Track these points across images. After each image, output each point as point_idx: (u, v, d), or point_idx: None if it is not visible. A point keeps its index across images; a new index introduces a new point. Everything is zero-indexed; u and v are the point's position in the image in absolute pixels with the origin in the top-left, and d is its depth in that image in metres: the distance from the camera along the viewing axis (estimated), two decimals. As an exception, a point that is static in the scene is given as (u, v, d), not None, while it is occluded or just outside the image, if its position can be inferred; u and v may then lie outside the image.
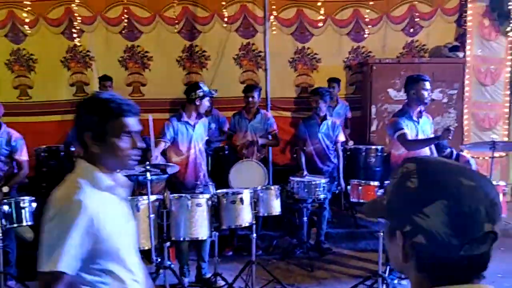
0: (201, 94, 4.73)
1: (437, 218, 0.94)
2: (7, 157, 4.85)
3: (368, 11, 7.71)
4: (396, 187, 1.03)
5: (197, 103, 4.75)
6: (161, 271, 4.29)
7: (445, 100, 7.45)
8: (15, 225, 4.25)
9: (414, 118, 4.77)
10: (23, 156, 4.91)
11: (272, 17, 7.50)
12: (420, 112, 4.80)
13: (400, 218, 1.00)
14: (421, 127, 4.79)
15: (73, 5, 7.46)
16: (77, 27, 7.52)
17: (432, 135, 4.86)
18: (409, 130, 4.68)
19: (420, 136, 4.72)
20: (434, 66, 7.41)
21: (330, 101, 7.26)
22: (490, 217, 0.94)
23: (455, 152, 5.72)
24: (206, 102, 4.84)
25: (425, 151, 4.72)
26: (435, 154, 4.86)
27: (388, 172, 4.98)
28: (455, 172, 0.98)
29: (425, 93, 4.69)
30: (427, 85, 4.69)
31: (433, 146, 4.80)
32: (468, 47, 7.63)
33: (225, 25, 7.61)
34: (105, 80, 7.02)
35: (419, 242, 0.97)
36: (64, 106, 7.65)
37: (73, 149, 6.00)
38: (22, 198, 4.30)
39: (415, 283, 1.02)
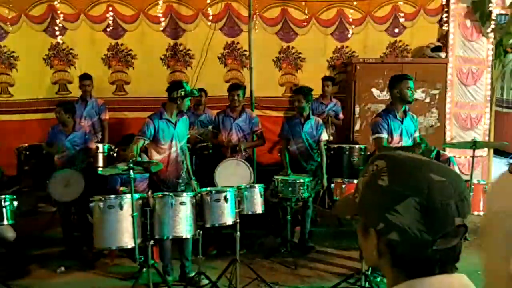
0: (183, 93, 4.71)
1: (410, 215, 0.95)
2: None
3: (352, 11, 7.77)
4: (367, 185, 1.04)
5: (178, 102, 4.73)
6: (144, 270, 4.26)
7: (427, 100, 7.54)
8: (-4, 224, 4.20)
9: (399, 117, 4.83)
10: None
11: (256, 16, 7.50)
12: (405, 111, 4.86)
13: (373, 216, 1.01)
14: (405, 126, 4.86)
15: (56, 2, 7.38)
16: (60, 25, 7.45)
17: (416, 135, 4.91)
18: (393, 129, 4.77)
19: (404, 136, 4.80)
20: (417, 66, 7.48)
21: (323, 99, 7.33)
22: (460, 211, 0.96)
23: (435, 150, 5.78)
24: (187, 101, 4.82)
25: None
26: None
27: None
28: (425, 168, 0.99)
29: (409, 92, 4.75)
30: (411, 84, 4.76)
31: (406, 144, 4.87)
32: (450, 48, 7.74)
33: (209, 23, 7.60)
34: (84, 79, 6.97)
35: (393, 239, 0.98)
36: (46, 104, 7.56)
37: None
38: (2, 196, 4.24)
39: (390, 278, 1.03)
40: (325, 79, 7.40)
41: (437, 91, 7.56)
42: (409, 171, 0.99)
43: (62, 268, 5.37)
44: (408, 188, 0.97)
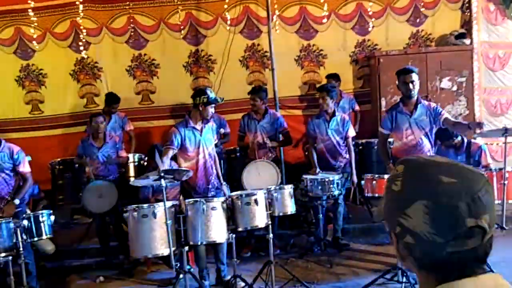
0: (205, 100, 4.75)
1: (419, 218, 0.97)
2: (11, 170, 4.93)
3: (371, 3, 7.69)
4: (386, 191, 1.07)
5: (201, 108, 4.78)
6: (181, 276, 4.32)
7: (454, 88, 7.41)
8: (35, 238, 4.33)
9: (406, 111, 4.83)
10: (26, 168, 5.00)
11: (275, 16, 7.51)
12: (416, 104, 4.80)
13: (391, 220, 1.04)
14: (415, 119, 4.81)
15: (78, 18, 7.54)
16: (84, 40, 7.61)
17: (445, 116, 4.78)
18: (400, 123, 4.86)
19: (415, 129, 4.81)
20: (441, 55, 7.37)
21: None
22: (472, 213, 0.95)
23: (466, 140, 5.67)
24: (210, 109, 4.84)
25: (424, 142, 4.76)
26: (428, 145, 4.85)
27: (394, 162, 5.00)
28: (437, 170, 0.99)
29: (405, 86, 4.76)
30: (409, 78, 4.73)
31: (425, 138, 4.83)
32: (474, 34, 7.58)
33: (228, 27, 7.64)
34: (114, 102, 6.99)
35: (409, 242, 1.00)
36: (75, 119, 7.75)
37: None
38: (40, 212, 4.38)
39: (421, 282, 1.04)
40: (328, 77, 7.28)
41: (463, 79, 7.41)
42: (420, 175, 1.00)
43: (101, 278, 5.50)
44: (416, 192, 0.98)
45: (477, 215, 0.95)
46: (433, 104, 4.95)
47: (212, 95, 4.88)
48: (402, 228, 1.00)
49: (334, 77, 7.26)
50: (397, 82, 4.93)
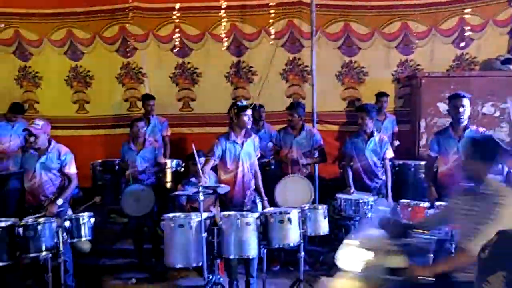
0: (235, 110, 4.85)
1: (499, 285, 1.09)
2: (58, 171, 5.13)
3: (416, 25, 7.64)
4: (477, 257, 1.22)
5: (235, 120, 4.86)
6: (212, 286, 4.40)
7: (497, 114, 7.27)
8: (75, 239, 4.50)
9: (454, 136, 4.88)
10: (72, 169, 5.19)
11: (319, 32, 7.54)
12: (465, 129, 4.80)
13: (477, 284, 1.18)
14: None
15: (126, 24, 7.78)
16: (131, 45, 7.84)
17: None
18: (447, 147, 4.91)
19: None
20: (485, 79, 7.25)
21: (378, 115, 7.24)
22: None
23: (506, 169, 5.56)
24: (245, 117, 4.89)
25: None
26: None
27: (436, 188, 4.95)
28: None
29: (455, 111, 4.80)
30: (460, 102, 4.80)
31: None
32: (521, 59, 7.42)
33: (272, 41, 7.73)
34: (148, 99, 7.29)
35: None
36: (117, 121, 7.99)
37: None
38: (81, 214, 4.55)
39: None
40: (380, 95, 7.30)
41: (507, 105, 7.27)
42: (506, 248, 1.12)
43: (133, 280, 5.65)
44: (499, 263, 1.11)
45: None
46: (481, 129, 4.94)
47: (242, 103, 4.96)
48: None
49: (384, 95, 7.27)
50: (446, 106, 4.98)
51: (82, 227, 4.50)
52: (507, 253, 1.08)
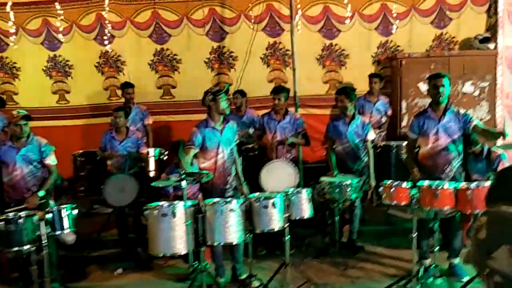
0: (211, 97, 4.81)
1: (504, 260, 1.11)
2: (39, 162, 5.08)
3: (395, 5, 7.64)
4: (473, 240, 1.23)
5: (212, 106, 4.80)
6: (197, 273, 4.41)
7: (476, 93, 7.35)
8: (58, 232, 4.44)
9: (434, 116, 4.90)
10: (52, 161, 5.16)
11: (298, 15, 7.50)
12: (445, 110, 4.82)
13: (480, 264, 1.20)
14: (443, 125, 4.86)
15: (103, 11, 7.64)
16: (108, 33, 7.72)
17: (475, 122, 4.83)
18: (428, 128, 4.91)
19: (442, 135, 4.86)
20: (464, 58, 7.32)
21: (370, 97, 7.26)
22: None
23: (486, 148, 5.64)
24: (222, 102, 4.78)
25: (450, 149, 4.78)
26: (454, 153, 4.86)
27: (419, 168, 5.00)
28: None
29: (435, 91, 4.83)
30: (439, 82, 4.81)
31: (452, 145, 4.87)
32: (499, 38, 7.48)
33: (251, 25, 7.67)
34: (127, 87, 7.22)
35: (498, 282, 1.14)
36: (98, 110, 7.89)
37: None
38: (63, 206, 4.49)
39: None
40: (372, 76, 7.33)
41: (486, 84, 7.35)
42: (503, 224, 1.15)
43: (120, 270, 5.64)
44: (502, 238, 1.13)
45: None
46: (462, 111, 4.94)
47: (216, 88, 4.91)
48: (491, 269, 1.15)
49: (376, 76, 7.31)
50: (427, 86, 5.00)
51: (65, 219, 4.44)
52: (507, 227, 1.13)
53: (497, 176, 1.32)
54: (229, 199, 4.43)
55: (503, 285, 1.12)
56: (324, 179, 5.52)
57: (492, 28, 7.57)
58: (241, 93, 7.09)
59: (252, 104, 7.44)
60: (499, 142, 6.12)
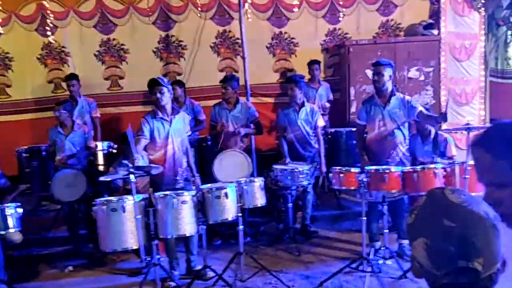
0: (149, 89, 4.76)
1: (420, 251, 1.13)
2: None
3: (342, -7, 7.73)
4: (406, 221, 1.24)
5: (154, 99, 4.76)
6: (151, 268, 4.35)
7: (422, 78, 7.56)
8: (3, 232, 4.27)
9: (380, 103, 5.03)
10: None
11: (247, 3, 7.45)
12: (390, 96, 4.95)
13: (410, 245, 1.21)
14: (389, 111, 5.00)
15: (44, 1, 7.33)
16: (51, 24, 7.41)
17: (420, 109, 4.97)
18: (374, 115, 5.04)
19: (388, 121, 5.00)
20: (409, 44, 7.50)
21: (312, 83, 7.33)
22: (464, 255, 1.08)
23: (433, 131, 5.82)
24: (154, 95, 4.73)
25: (396, 134, 4.94)
26: (400, 137, 5.01)
27: (366, 154, 5.12)
28: (443, 213, 1.12)
29: (374, 78, 5.01)
30: (376, 69, 4.98)
31: (398, 130, 5.03)
32: (442, 24, 7.71)
33: (199, 13, 7.56)
34: (69, 79, 6.97)
35: (416, 267, 1.17)
36: (43, 104, 7.60)
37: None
38: (6, 205, 4.32)
39: None
40: (311, 63, 7.37)
41: (431, 69, 7.56)
42: (428, 214, 1.15)
43: (70, 267, 5.49)
44: (421, 229, 1.14)
45: (469, 258, 1.08)
46: (407, 97, 5.09)
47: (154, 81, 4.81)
48: (412, 254, 1.17)
49: (316, 63, 7.34)
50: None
51: (9, 218, 4.29)
52: (429, 219, 1.12)
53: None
54: (180, 191, 4.38)
55: (422, 272, 1.16)
56: (277, 167, 5.56)
57: (435, 15, 7.79)
58: (178, 83, 6.95)
59: (204, 94, 7.36)
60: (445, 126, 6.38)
